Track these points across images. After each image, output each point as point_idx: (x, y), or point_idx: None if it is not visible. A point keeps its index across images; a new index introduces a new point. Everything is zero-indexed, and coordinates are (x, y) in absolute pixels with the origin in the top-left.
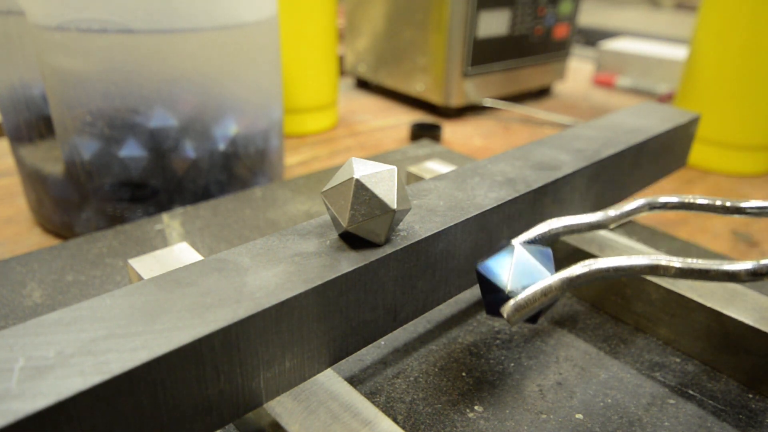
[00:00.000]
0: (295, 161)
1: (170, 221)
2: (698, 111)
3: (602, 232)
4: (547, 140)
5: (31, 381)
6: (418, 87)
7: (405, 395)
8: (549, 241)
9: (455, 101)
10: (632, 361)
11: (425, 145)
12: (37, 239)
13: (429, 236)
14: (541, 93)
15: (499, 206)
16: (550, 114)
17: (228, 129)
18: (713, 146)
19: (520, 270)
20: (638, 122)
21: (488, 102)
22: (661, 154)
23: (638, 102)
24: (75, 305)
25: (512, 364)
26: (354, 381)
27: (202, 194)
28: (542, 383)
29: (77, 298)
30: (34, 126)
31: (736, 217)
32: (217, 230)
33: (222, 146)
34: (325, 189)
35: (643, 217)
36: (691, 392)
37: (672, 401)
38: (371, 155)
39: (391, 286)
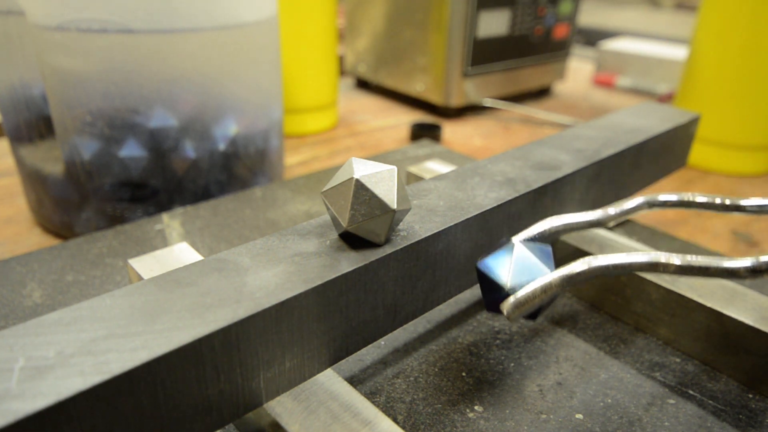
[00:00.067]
0: (295, 161)
1: (170, 221)
2: (698, 111)
3: (602, 232)
4: (547, 140)
5: (31, 381)
6: (418, 87)
7: (405, 395)
8: (549, 238)
9: (455, 101)
10: (632, 361)
11: (425, 145)
12: (37, 239)
13: (429, 236)
14: (541, 93)
15: (499, 206)
16: (550, 114)
17: (228, 129)
18: (713, 146)
19: (519, 267)
20: (638, 122)
21: (488, 102)
22: (661, 154)
23: (638, 102)
24: (75, 305)
25: (512, 364)
26: (354, 381)
27: (202, 194)
28: (542, 383)
29: (77, 298)
30: (34, 126)
31: (736, 215)
32: (217, 230)
33: (222, 146)
34: (325, 189)
35: (643, 217)
36: (691, 392)
37: (672, 401)
38: (371, 155)
39: (391, 286)
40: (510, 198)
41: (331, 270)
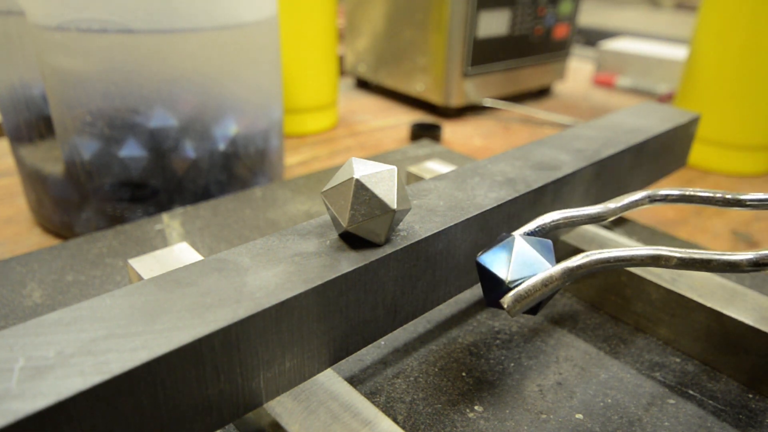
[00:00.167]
0: (295, 161)
1: (170, 221)
2: (698, 111)
3: (602, 232)
4: (547, 140)
5: (31, 381)
6: (418, 87)
7: (405, 395)
8: (549, 232)
9: (455, 101)
10: (632, 361)
11: (425, 145)
12: (37, 239)
13: (429, 236)
14: (541, 93)
15: (499, 206)
16: (550, 114)
17: (228, 129)
18: (713, 146)
19: (520, 261)
20: (638, 122)
21: (488, 102)
22: (661, 154)
23: (638, 102)
24: (75, 305)
25: (512, 364)
26: (354, 381)
27: (202, 194)
28: (542, 383)
29: (77, 298)
30: (34, 126)
31: (736, 214)
32: (217, 230)
33: (222, 146)
34: (325, 189)
35: (643, 217)
36: (691, 392)
37: (672, 401)
38: (371, 155)
39: (391, 286)
40: (510, 198)
41: (331, 270)
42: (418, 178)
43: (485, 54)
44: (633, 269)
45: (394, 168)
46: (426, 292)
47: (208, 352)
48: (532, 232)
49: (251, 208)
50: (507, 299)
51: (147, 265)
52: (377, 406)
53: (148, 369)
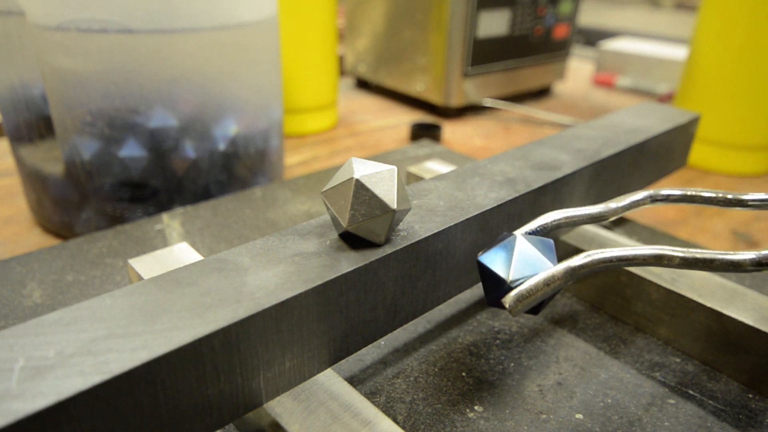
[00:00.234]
0: (295, 161)
1: (170, 221)
2: (698, 111)
3: (602, 232)
4: (547, 140)
5: (31, 381)
6: (418, 87)
7: (405, 395)
8: (551, 232)
9: (455, 101)
10: (632, 361)
11: (425, 145)
12: (37, 239)
13: (429, 236)
14: (541, 93)
15: (499, 206)
16: (550, 114)
17: (228, 129)
18: (713, 146)
19: (522, 260)
20: (638, 122)
21: (488, 102)
22: (661, 154)
23: (638, 102)
24: (75, 305)
25: (512, 364)
26: (354, 381)
27: (202, 194)
28: (542, 383)
29: (77, 298)
30: (34, 126)
31: (737, 214)
32: (217, 230)
33: (222, 146)
34: (325, 189)
35: (643, 217)
36: (691, 392)
37: (672, 401)
38: (371, 155)
39: (391, 286)
40: (510, 198)
41: (331, 270)
42: (418, 178)
43: (485, 54)
44: (633, 269)
45: (394, 168)
46: (426, 292)
47: (208, 352)
48: (533, 231)
49: (251, 208)
50: (509, 299)
51: (147, 265)
52: (377, 406)
53: (148, 369)
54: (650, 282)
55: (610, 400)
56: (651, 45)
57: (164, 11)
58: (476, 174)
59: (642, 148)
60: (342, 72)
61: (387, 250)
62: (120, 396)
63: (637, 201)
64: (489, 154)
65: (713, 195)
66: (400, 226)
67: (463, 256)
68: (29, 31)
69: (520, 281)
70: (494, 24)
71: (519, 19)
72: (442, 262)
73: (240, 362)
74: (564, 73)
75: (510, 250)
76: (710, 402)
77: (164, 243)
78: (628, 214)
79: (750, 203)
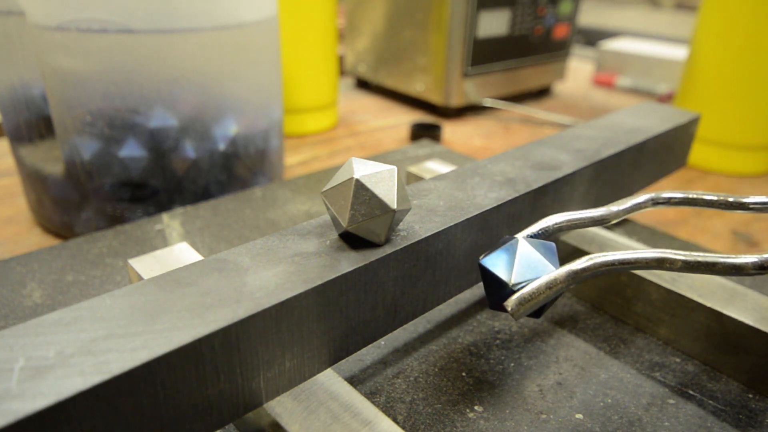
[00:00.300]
0: (295, 161)
1: (170, 221)
2: (698, 111)
3: (602, 232)
4: (547, 140)
5: (31, 381)
6: (418, 87)
7: (405, 395)
8: (552, 235)
9: (455, 101)
10: (632, 361)
11: (425, 145)
12: (37, 239)
13: (429, 236)
14: (541, 93)
15: (499, 206)
16: (550, 114)
17: (228, 129)
18: (713, 146)
19: (524, 264)
20: (638, 122)
21: (488, 102)
22: (661, 154)
23: (638, 102)
24: (75, 305)
25: (512, 364)
26: (354, 381)
27: (202, 194)
28: (542, 383)
29: (77, 298)
30: (34, 126)
31: (739, 213)
32: (217, 230)
33: (222, 146)
34: (325, 189)
35: (643, 217)
36: (691, 392)
37: (672, 401)
38: (371, 155)
39: (391, 286)
40: (510, 198)
41: (331, 270)
42: (418, 178)
43: (485, 54)
44: None
45: (394, 168)
46: (426, 292)
47: (208, 352)
48: (534, 234)
49: (251, 208)
50: (511, 302)
51: (147, 265)
52: (377, 406)
53: (148, 369)
54: (650, 282)
55: (610, 400)
56: (651, 45)
57: (164, 11)
58: (476, 174)
59: (642, 148)
60: (342, 72)
61: (387, 250)
62: (120, 396)
63: (639, 204)
64: (489, 154)
65: (714, 198)
66: (400, 226)
67: (463, 256)
68: (29, 31)
69: (522, 285)
70: (494, 24)
71: (519, 19)
72: (442, 262)
73: (240, 362)
74: (564, 73)
75: (512, 254)
76: (710, 402)
77: (164, 243)
78: (629, 216)
79: (751, 206)
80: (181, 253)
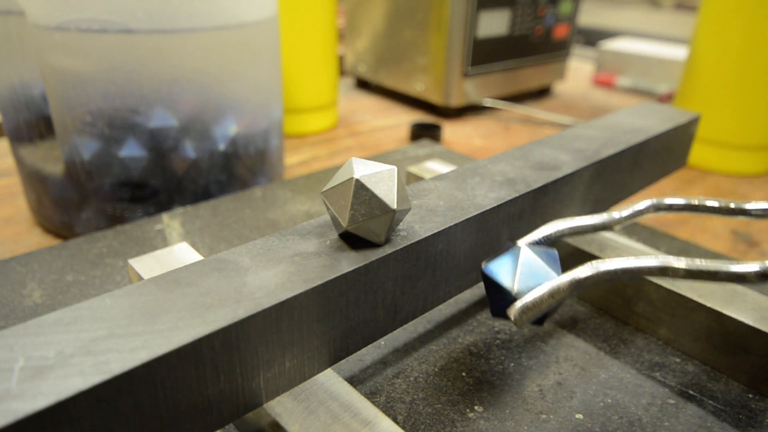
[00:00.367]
0: (295, 161)
1: (170, 221)
2: (698, 111)
3: (603, 232)
4: (547, 140)
5: (31, 381)
6: (418, 87)
7: (405, 395)
8: (554, 242)
9: (455, 101)
10: (632, 361)
11: (425, 145)
12: (37, 239)
13: (429, 236)
14: (541, 93)
15: (499, 206)
16: (550, 114)
17: (228, 129)
18: (713, 146)
19: (526, 271)
20: (638, 122)
21: (488, 102)
22: (661, 154)
23: (638, 102)
24: (75, 305)
25: (512, 364)
26: (354, 381)
27: (202, 194)
28: (542, 383)
29: (77, 298)
30: (34, 126)
31: (741, 218)
32: (217, 230)
33: (222, 146)
34: (325, 189)
35: (643, 217)
36: (691, 392)
37: (672, 401)
38: (371, 155)
39: (391, 286)
40: (510, 198)
41: (331, 270)
42: (418, 178)
43: (485, 54)
44: None
45: (394, 168)
46: (426, 292)
47: (208, 352)
48: (537, 241)
49: (251, 208)
50: (514, 310)
51: (147, 265)
52: (377, 406)
53: (148, 369)
54: (650, 282)
55: (610, 400)
56: (651, 45)
57: (164, 11)
58: (476, 174)
59: (642, 148)
60: (342, 72)
61: (387, 250)
62: (120, 396)
63: (640, 210)
64: (489, 154)
65: (716, 204)
66: (400, 226)
67: (463, 256)
68: (29, 31)
69: (525, 292)
70: (494, 24)
71: (519, 19)
72: (442, 262)
73: (240, 362)
74: (564, 73)
75: (514, 261)
76: (710, 402)
77: (164, 243)
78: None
79: (753, 213)
80: (181, 253)
